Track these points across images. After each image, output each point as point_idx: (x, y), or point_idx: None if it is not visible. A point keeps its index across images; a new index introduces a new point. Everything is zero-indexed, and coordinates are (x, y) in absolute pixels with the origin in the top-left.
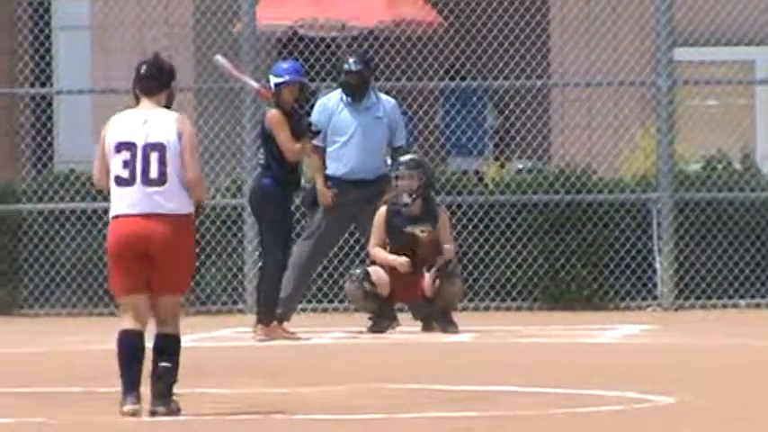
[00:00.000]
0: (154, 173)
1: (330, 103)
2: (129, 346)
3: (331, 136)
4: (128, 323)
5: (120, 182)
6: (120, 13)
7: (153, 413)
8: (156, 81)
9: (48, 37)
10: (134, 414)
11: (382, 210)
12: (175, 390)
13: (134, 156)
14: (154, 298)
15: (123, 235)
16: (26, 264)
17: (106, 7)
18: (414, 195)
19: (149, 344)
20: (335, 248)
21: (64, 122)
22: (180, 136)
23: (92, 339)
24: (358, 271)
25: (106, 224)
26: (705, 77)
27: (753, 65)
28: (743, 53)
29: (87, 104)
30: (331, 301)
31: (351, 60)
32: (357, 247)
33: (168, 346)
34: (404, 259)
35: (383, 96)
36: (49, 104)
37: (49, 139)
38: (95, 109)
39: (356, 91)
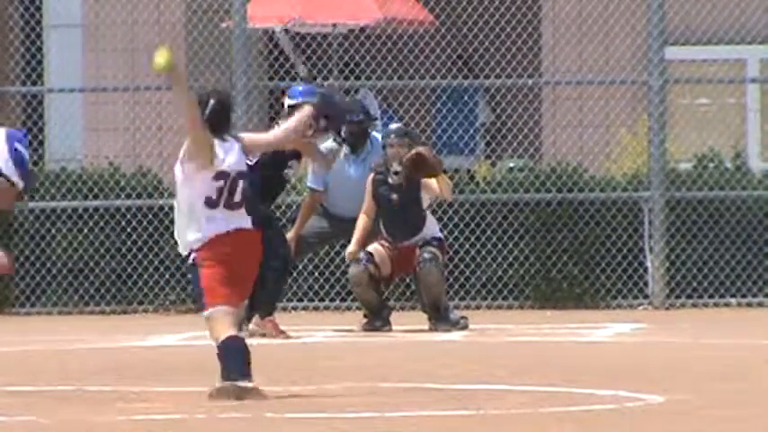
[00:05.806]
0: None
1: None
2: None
3: (328, 182)
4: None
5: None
6: (111, 11)
7: None
8: (224, 124)
9: (39, 35)
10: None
11: (371, 177)
12: (171, 388)
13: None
14: None
15: None
16: (17, 262)
17: (97, 5)
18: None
19: None
20: (326, 248)
21: (55, 121)
22: (246, 153)
23: (84, 338)
24: (362, 254)
25: (97, 222)
26: (697, 76)
27: (744, 63)
28: (734, 52)
29: (78, 103)
30: (322, 300)
31: None
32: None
33: None
34: (353, 248)
35: (379, 138)
36: (40, 102)
37: (40, 137)
38: (86, 107)
39: (356, 141)
